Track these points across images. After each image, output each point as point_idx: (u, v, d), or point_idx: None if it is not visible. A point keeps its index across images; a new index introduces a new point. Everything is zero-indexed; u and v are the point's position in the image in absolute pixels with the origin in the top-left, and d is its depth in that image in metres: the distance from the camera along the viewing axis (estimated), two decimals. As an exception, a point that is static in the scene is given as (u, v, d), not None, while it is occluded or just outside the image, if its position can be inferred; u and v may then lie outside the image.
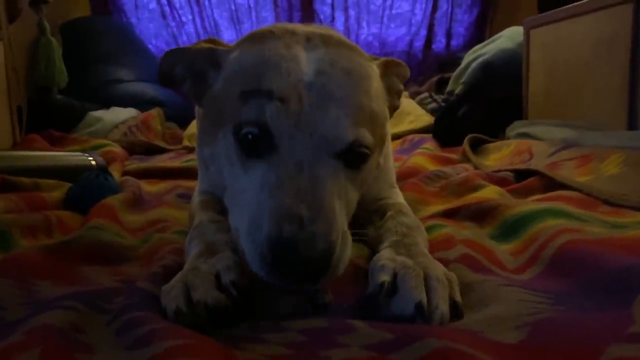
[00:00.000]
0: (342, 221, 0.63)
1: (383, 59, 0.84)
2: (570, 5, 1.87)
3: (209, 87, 0.79)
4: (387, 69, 0.83)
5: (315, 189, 0.61)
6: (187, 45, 0.86)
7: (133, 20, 3.69)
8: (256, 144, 0.66)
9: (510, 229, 0.91)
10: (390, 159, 1.03)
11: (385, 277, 0.61)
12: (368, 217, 0.89)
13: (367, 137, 0.69)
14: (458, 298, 0.60)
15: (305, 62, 0.68)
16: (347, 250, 0.63)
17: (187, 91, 0.84)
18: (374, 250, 0.77)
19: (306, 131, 0.64)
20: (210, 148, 0.76)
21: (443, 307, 0.58)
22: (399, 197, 0.97)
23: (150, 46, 3.61)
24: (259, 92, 0.66)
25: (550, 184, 1.22)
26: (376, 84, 0.76)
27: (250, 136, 0.66)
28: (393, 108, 0.85)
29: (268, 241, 0.57)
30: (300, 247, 0.56)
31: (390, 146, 1.04)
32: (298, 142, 0.64)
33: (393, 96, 0.85)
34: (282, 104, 0.65)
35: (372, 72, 0.77)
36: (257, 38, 0.75)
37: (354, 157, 0.68)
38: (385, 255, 0.67)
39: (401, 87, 0.87)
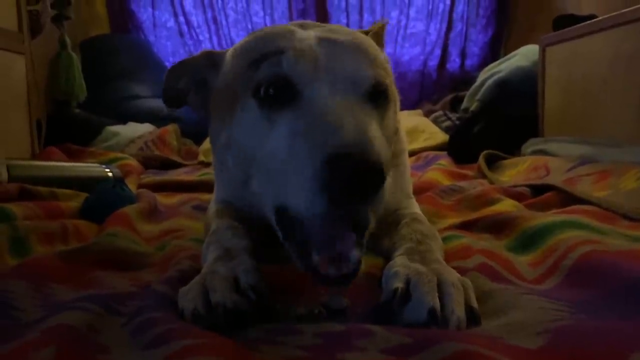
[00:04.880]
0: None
1: (371, 32, 0.85)
2: (586, 23, 1.87)
3: (211, 89, 0.81)
4: (378, 42, 0.84)
5: (355, 117, 0.57)
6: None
7: (151, 38, 3.76)
8: (278, 98, 0.64)
9: (529, 240, 0.90)
10: (407, 170, 1.02)
11: (398, 284, 0.60)
12: (384, 228, 0.88)
13: (385, 77, 0.69)
14: (474, 304, 0.60)
15: (307, 34, 0.70)
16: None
17: (191, 102, 0.86)
18: (388, 259, 0.76)
19: (328, 76, 0.64)
20: (226, 130, 0.74)
21: (459, 312, 0.57)
22: (415, 207, 0.96)
23: (167, 64, 3.66)
24: (270, 54, 0.66)
25: (568, 199, 1.21)
26: (376, 47, 0.77)
27: (271, 91, 0.65)
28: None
29: (322, 160, 0.53)
30: (356, 153, 0.52)
31: (407, 158, 1.04)
32: (321, 85, 0.63)
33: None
34: (297, 53, 0.65)
35: (369, 39, 0.78)
36: (253, 33, 0.78)
37: (380, 97, 0.68)
38: (399, 262, 0.66)
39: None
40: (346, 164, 0.52)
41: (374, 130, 0.62)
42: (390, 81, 0.76)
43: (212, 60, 0.81)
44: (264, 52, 0.67)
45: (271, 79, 0.65)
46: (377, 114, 0.68)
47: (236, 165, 0.75)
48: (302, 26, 0.74)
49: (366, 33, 0.84)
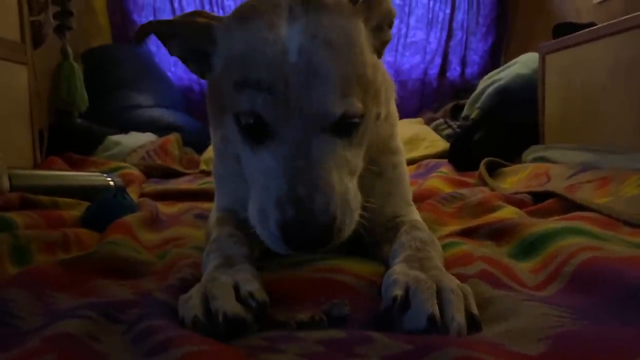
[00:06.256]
0: (343, 188, 0.69)
1: None
2: (585, 30, 1.88)
3: (210, 67, 0.80)
4: (370, 7, 0.80)
5: (312, 169, 0.67)
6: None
7: (153, 48, 3.76)
8: (256, 131, 0.71)
9: (530, 247, 0.89)
10: (406, 177, 1.02)
11: (397, 292, 0.60)
12: (384, 235, 0.89)
13: (355, 105, 0.71)
14: (474, 310, 0.59)
15: (288, 40, 0.69)
16: (352, 215, 0.70)
17: (192, 70, 0.86)
18: (388, 266, 0.76)
19: (296, 113, 0.68)
20: (220, 130, 0.81)
21: (459, 318, 0.57)
22: (415, 214, 0.96)
23: (169, 74, 3.68)
24: (249, 82, 0.70)
25: (569, 206, 1.21)
26: (360, 40, 0.76)
27: (250, 121, 0.71)
28: (385, 42, 0.84)
29: (276, 225, 0.65)
30: (303, 226, 0.64)
31: (405, 165, 1.04)
32: (290, 124, 0.68)
33: (384, 31, 0.83)
34: (271, 94, 0.68)
35: (354, 30, 0.76)
36: (243, 17, 0.76)
37: (346, 127, 0.72)
38: (398, 269, 0.67)
39: (392, 15, 0.84)
40: (293, 234, 0.65)
41: (335, 172, 0.69)
42: (372, 83, 0.76)
43: (211, 37, 0.79)
44: (245, 78, 0.70)
45: (248, 114, 0.70)
46: (346, 139, 0.72)
47: (234, 157, 0.81)
48: (291, 11, 0.72)
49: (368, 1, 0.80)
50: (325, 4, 0.74)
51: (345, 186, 0.71)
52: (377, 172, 0.92)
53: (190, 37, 0.82)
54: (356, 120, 0.73)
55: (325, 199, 0.66)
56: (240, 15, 0.77)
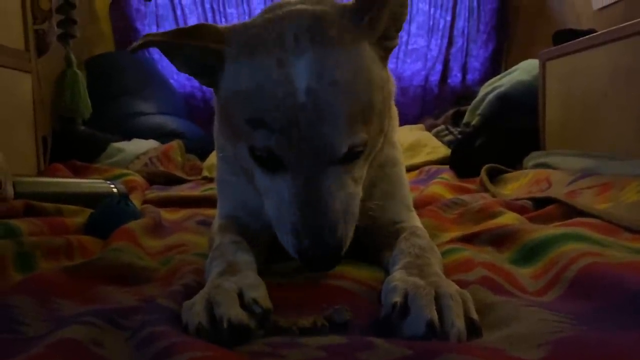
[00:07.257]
0: (346, 206, 0.75)
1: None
2: (586, 37, 1.89)
3: (218, 84, 0.81)
4: (375, 21, 0.79)
5: (321, 202, 0.72)
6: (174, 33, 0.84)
7: (156, 56, 3.78)
8: (270, 163, 0.75)
9: (530, 253, 0.90)
10: (405, 180, 1.03)
11: (396, 298, 0.61)
12: (385, 241, 0.89)
13: (361, 137, 0.75)
14: (474, 315, 0.60)
15: (296, 80, 0.70)
16: (354, 223, 0.77)
17: (199, 81, 0.87)
18: (388, 272, 0.77)
19: (306, 151, 0.72)
20: (231, 147, 0.84)
21: (459, 324, 0.57)
22: (415, 220, 0.97)
23: (171, 81, 3.69)
24: (261, 122, 0.72)
25: (569, 212, 1.21)
26: (366, 66, 0.76)
27: (264, 156, 0.75)
28: (392, 48, 0.85)
29: (294, 250, 0.74)
30: (316, 253, 0.71)
31: (404, 165, 1.05)
32: (300, 160, 0.72)
33: (391, 38, 0.84)
34: (282, 134, 0.71)
35: (359, 59, 0.75)
36: (251, 47, 0.76)
37: (352, 155, 0.75)
38: (397, 276, 0.67)
39: (401, 20, 0.85)
40: (309, 259, 0.72)
41: (342, 196, 0.74)
42: (377, 109, 0.77)
43: (220, 61, 0.79)
44: (258, 117, 0.72)
45: (263, 150, 0.74)
46: (352, 164, 0.76)
47: (243, 168, 0.84)
48: (297, 42, 0.72)
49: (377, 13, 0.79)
50: (329, 34, 0.74)
51: (348, 204, 0.75)
52: (379, 163, 0.93)
53: (196, 56, 0.82)
54: (360, 149, 0.76)
55: (333, 228, 0.72)
56: (247, 43, 0.77)
